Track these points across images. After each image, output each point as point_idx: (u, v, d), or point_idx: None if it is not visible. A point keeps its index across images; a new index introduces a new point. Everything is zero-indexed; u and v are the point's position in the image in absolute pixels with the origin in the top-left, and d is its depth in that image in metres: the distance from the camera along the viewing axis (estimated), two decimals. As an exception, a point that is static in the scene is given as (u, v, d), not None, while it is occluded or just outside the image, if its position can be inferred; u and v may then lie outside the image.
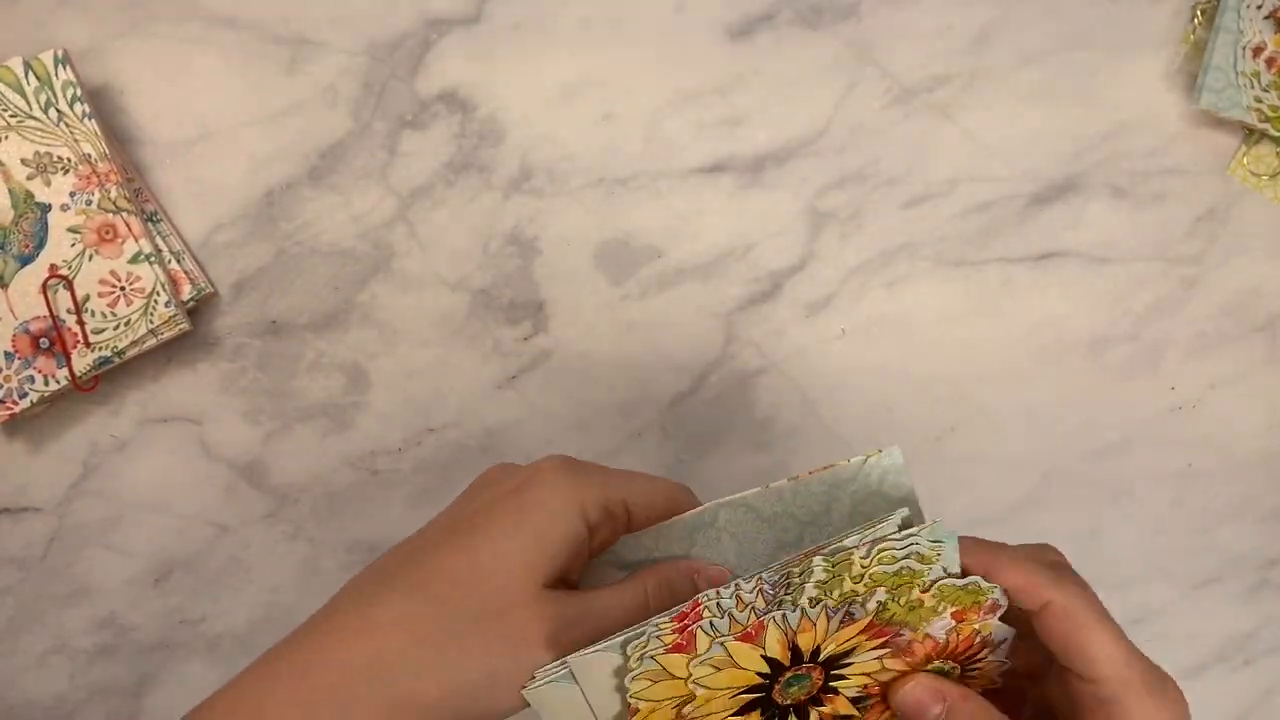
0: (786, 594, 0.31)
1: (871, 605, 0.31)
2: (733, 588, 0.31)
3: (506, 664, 0.31)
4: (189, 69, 0.52)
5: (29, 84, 0.48)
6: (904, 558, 0.30)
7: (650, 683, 0.32)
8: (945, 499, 0.53)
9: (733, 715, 0.33)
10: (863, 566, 0.30)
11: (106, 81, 0.51)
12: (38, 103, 0.48)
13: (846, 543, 0.30)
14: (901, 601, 0.31)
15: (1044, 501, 0.53)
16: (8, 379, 0.48)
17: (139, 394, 0.52)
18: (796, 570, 0.30)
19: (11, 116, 0.48)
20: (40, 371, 0.49)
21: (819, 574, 0.30)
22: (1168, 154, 0.52)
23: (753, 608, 0.31)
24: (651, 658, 0.31)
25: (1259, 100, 0.50)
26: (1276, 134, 0.51)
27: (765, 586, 0.31)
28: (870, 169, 0.52)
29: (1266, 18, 0.50)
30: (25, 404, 0.48)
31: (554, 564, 0.32)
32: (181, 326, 0.50)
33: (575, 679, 0.32)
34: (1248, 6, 0.50)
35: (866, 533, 0.31)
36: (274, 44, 0.52)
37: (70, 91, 0.48)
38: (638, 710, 0.32)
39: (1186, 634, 0.53)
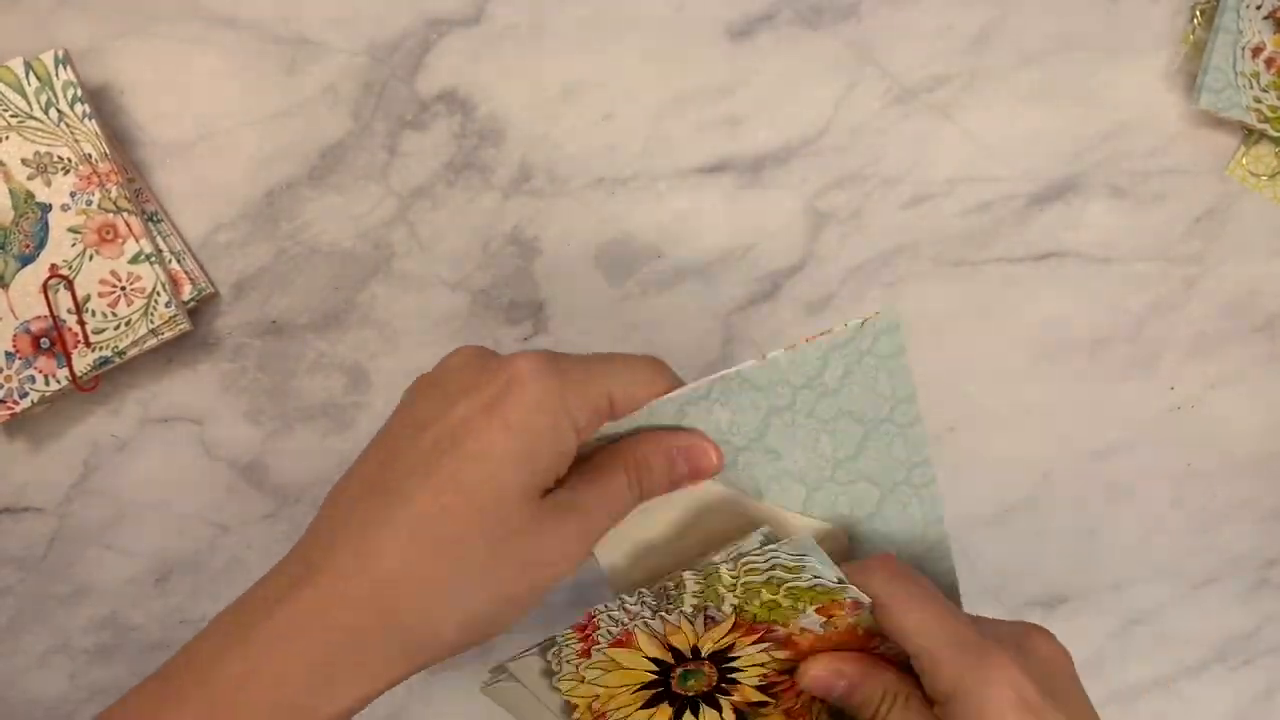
0: (669, 604, 0.34)
1: (726, 608, 0.34)
2: (618, 602, 0.34)
3: (517, 589, 0.31)
4: (189, 69, 0.52)
5: (29, 84, 0.48)
6: (768, 569, 0.33)
7: (575, 683, 0.36)
8: (945, 499, 0.53)
9: (641, 708, 0.38)
10: (731, 578, 0.33)
11: (107, 82, 0.51)
12: (38, 103, 0.48)
13: (714, 559, 0.33)
14: (755, 604, 0.34)
15: (1044, 501, 0.53)
16: (8, 379, 0.48)
17: (139, 394, 0.52)
18: (671, 585, 0.33)
19: (12, 116, 0.48)
20: (41, 371, 0.49)
21: (692, 586, 0.33)
22: (1167, 154, 0.52)
23: (638, 617, 0.34)
24: (568, 661, 0.35)
25: (1258, 100, 0.50)
26: (1276, 134, 0.51)
27: (648, 599, 0.34)
28: (870, 169, 0.52)
29: (1266, 18, 0.50)
30: (26, 404, 0.48)
31: (547, 478, 0.31)
32: (182, 326, 0.50)
33: (518, 679, 0.35)
34: (1247, 7, 0.50)
35: (730, 549, 0.34)
36: (274, 44, 0.52)
37: (71, 92, 0.48)
38: (575, 705, 0.37)
39: (1186, 634, 0.53)
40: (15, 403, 0.48)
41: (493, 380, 0.31)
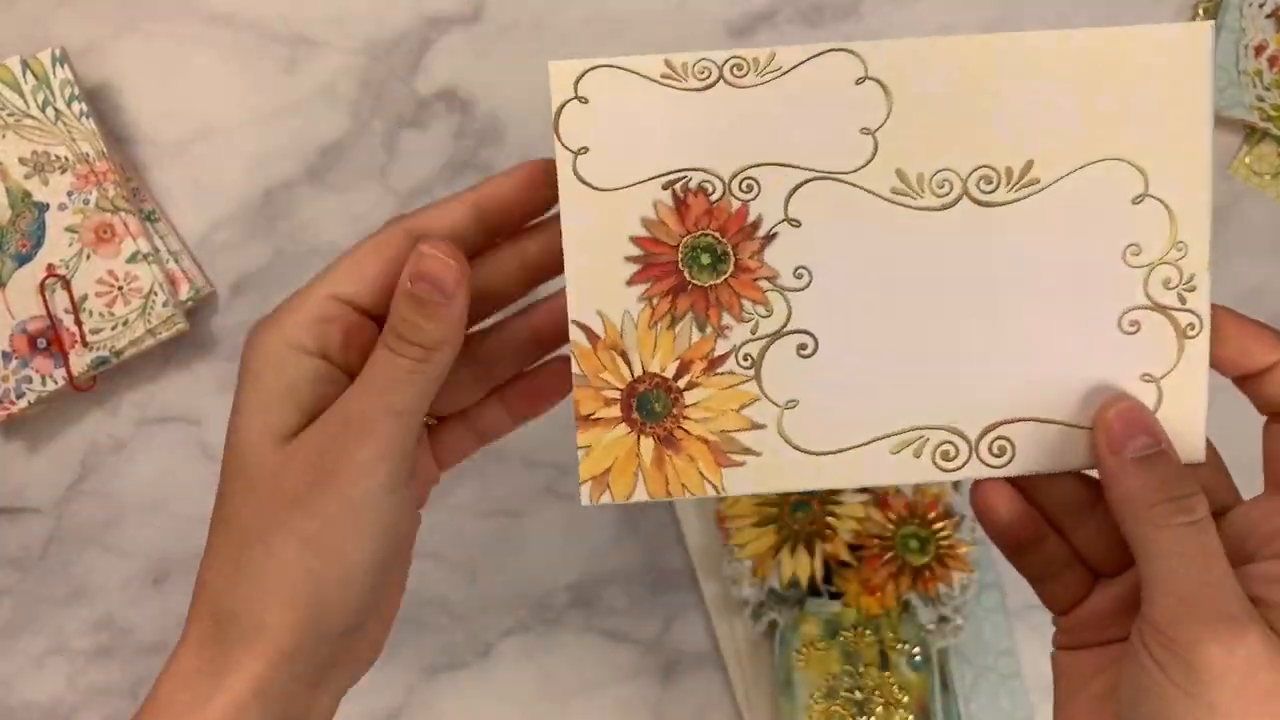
0: None
1: None
2: None
3: (307, 526, 0.28)
4: (187, 68, 0.52)
5: (26, 83, 0.48)
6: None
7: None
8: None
9: (753, 524, 0.46)
10: None
11: (104, 80, 0.51)
12: (35, 102, 0.48)
13: None
14: None
15: (1045, 502, 0.53)
16: (5, 379, 0.48)
17: (137, 394, 0.52)
18: None
19: (9, 115, 0.48)
20: (38, 371, 0.48)
21: None
22: (1169, 153, 0.52)
23: None
24: None
25: (1261, 99, 0.50)
26: (1278, 133, 0.51)
27: None
28: (871, 168, 0.52)
29: (1269, 16, 0.50)
30: (23, 404, 0.48)
31: (291, 413, 0.29)
32: (179, 326, 0.50)
33: None
34: (1250, 5, 0.50)
35: None
36: (273, 43, 0.52)
37: (68, 90, 0.48)
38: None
39: (1188, 635, 0.53)
40: (12, 403, 0.48)
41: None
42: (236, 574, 0.29)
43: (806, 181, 0.30)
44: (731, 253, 0.30)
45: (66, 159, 0.48)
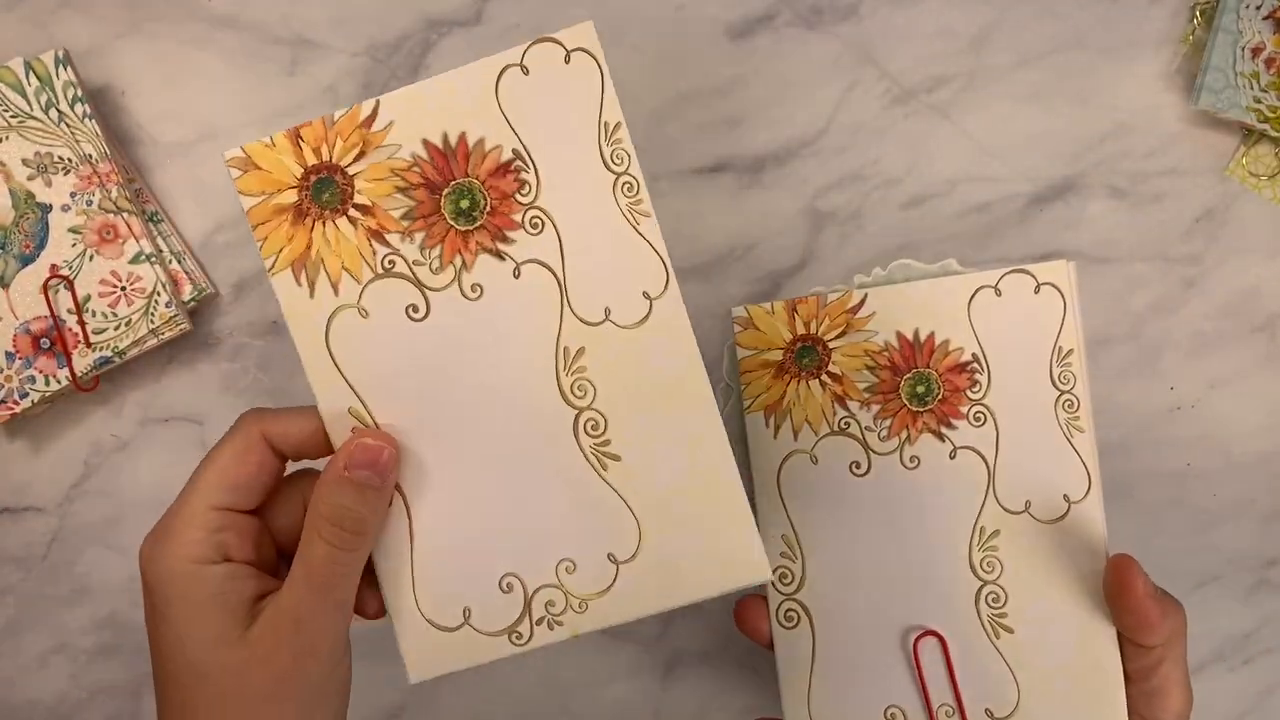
0: None
1: None
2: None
3: (284, 712, 0.31)
4: (190, 69, 0.52)
5: (30, 84, 0.48)
6: None
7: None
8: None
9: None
10: None
11: (107, 82, 0.51)
12: (38, 103, 0.48)
13: None
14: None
15: (1044, 501, 0.53)
16: (9, 379, 0.48)
17: (140, 394, 0.52)
18: None
19: (12, 117, 0.48)
20: (41, 371, 0.49)
21: None
22: (1167, 154, 0.52)
23: None
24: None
25: (1258, 100, 0.50)
26: (1276, 134, 0.51)
27: None
28: (870, 169, 0.52)
29: (1266, 18, 0.50)
30: (26, 404, 0.48)
31: (230, 616, 0.32)
32: (182, 327, 0.50)
33: None
34: (1247, 7, 0.50)
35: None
36: (274, 44, 0.52)
37: (71, 92, 0.49)
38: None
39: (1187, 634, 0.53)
40: (15, 403, 0.48)
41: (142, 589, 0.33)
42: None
43: None
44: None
45: (69, 160, 0.49)
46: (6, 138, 0.48)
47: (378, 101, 0.34)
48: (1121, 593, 0.37)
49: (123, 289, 0.49)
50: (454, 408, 0.34)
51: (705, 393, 0.34)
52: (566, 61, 0.34)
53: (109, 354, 0.49)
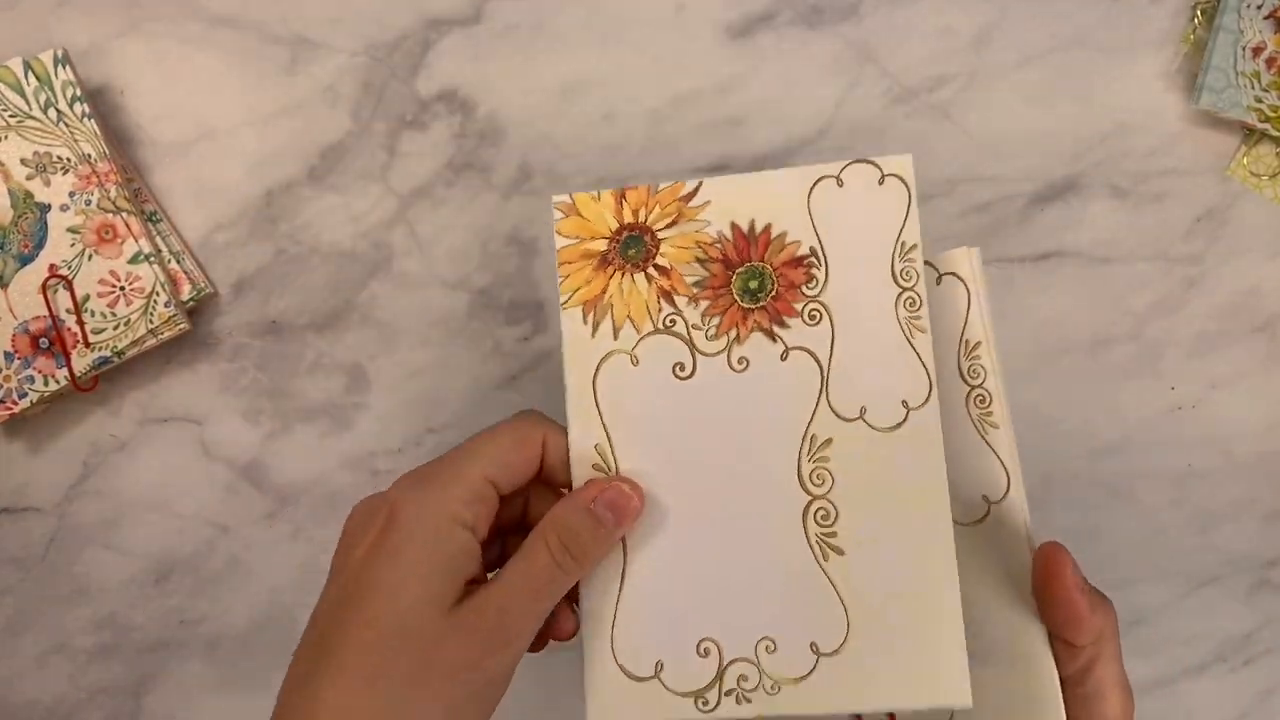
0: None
1: None
2: None
3: (454, 697, 0.32)
4: (189, 69, 0.52)
5: (29, 84, 0.48)
6: None
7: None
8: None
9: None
10: None
11: (106, 81, 0.51)
12: (37, 103, 0.48)
13: None
14: None
15: (1044, 501, 0.53)
16: (7, 379, 0.48)
17: (139, 394, 0.52)
18: None
19: (11, 116, 0.48)
20: (40, 371, 0.49)
21: None
22: (1167, 154, 0.52)
23: None
24: None
25: (1259, 100, 0.50)
26: (1276, 134, 0.51)
27: None
28: (870, 169, 0.52)
29: (1266, 18, 0.50)
30: (25, 404, 0.48)
31: (448, 583, 0.32)
32: (181, 326, 0.50)
33: None
34: (1248, 6, 0.50)
35: None
36: (274, 44, 0.52)
37: (70, 91, 0.48)
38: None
39: (1186, 634, 0.53)
40: (14, 403, 0.48)
41: (374, 519, 0.33)
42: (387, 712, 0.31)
43: None
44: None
45: (68, 160, 0.49)
46: (5, 137, 0.48)
47: (701, 182, 0.36)
48: (1049, 583, 0.34)
49: (122, 289, 0.49)
50: (693, 467, 0.35)
51: (944, 510, 0.34)
52: (880, 183, 0.36)
53: (108, 354, 0.49)
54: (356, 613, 0.32)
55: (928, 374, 0.34)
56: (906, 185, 0.36)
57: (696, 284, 0.36)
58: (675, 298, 0.36)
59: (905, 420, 0.34)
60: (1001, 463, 0.36)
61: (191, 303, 0.50)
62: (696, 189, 0.36)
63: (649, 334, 0.36)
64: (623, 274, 0.37)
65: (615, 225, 0.37)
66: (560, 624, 0.36)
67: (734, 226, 0.36)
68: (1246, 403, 0.53)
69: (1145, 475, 0.53)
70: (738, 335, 0.36)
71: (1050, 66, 0.52)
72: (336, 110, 0.52)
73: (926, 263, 0.37)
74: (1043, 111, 0.52)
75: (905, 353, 0.35)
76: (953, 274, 0.37)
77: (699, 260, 0.36)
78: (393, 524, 0.33)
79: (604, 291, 0.37)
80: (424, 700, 0.31)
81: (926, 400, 0.34)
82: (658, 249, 0.37)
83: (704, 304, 0.36)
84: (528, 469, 0.35)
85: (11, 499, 0.52)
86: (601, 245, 0.37)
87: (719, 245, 0.36)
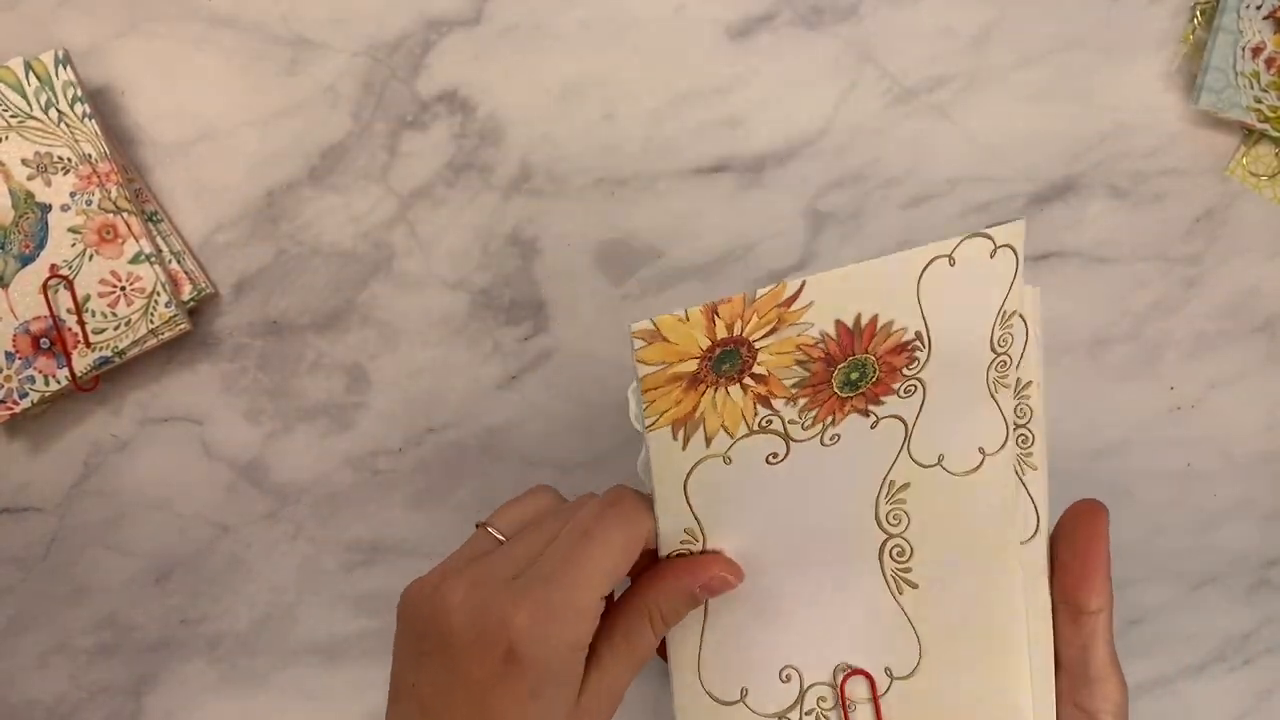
0: None
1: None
2: None
3: None
4: (190, 69, 0.52)
5: (29, 84, 0.48)
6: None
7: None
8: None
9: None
10: None
11: (107, 82, 0.51)
12: (38, 103, 0.48)
13: None
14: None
15: (1044, 501, 0.53)
16: (8, 379, 0.48)
17: (140, 394, 0.52)
18: None
19: (12, 117, 0.48)
20: (41, 371, 0.49)
21: None
22: (1167, 154, 0.52)
23: None
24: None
25: (1258, 100, 0.50)
26: (1276, 134, 0.51)
27: None
28: (870, 169, 0.52)
29: (1266, 18, 0.50)
30: (26, 404, 0.48)
31: (571, 701, 0.33)
32: (182, 326, 0.50)
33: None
34: (1247, 7, 0.50)
35: None
36: (274, 44, 0.52)
37: (71, 92, 0.49)
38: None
39: (1186, 634, 0.53)
40: (15, 403, 0.48)
41: (493, 645, 0.32)
42: None
43: None
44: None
45: (69, 160, 0.49)
46: (6, 138, 0.48)
47: (803, 283, 0.33)
48: (1080, 530, 0.35)
49: (122, 289, 0.49)
50: (778, 523, 0.36)
51: (1014, 549, 0.35)
52: (991, 256, 0.34)
53: (109, 354, 0.49)
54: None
55: (1005, 423, 0.35)
56: (1016, 253, 0.34)
57: (795, 384, 0.34)
58: (773, 401, 0.34)
59: (981, 465, 0.35)
60: (1035, 505, 0.37)
61: (192, 303, 0.50)
62: (799, 291, 0.33)
63: (743, 436, 0.35)
64: (716, 389, 0.34)
65: (707, 344, 0.33)
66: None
67: (838, 324, 0.33)
68: (1246, 403, 0.53)
69: (1145, 475, 0.53)
70: (833, 419, 0.35)
71: (1050, 66, 0.52)
72: (337, 110, 0.52)
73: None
74: (1043, 111, 0.52)
75: (988, 407, 0.35)
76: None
77: (799, 363, 0.34)
78: (519, 661, 0.32)
79: (695, 409, 0.34)
80: None
81: (1003, 446, 0.35)
82: (754, 359, 0.33)
83: (802, 401, 0.34)
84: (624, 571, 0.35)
85: (12, 499, 0.52)
86: (691, 366, 0.33)
87: (821, 345, 0.34)
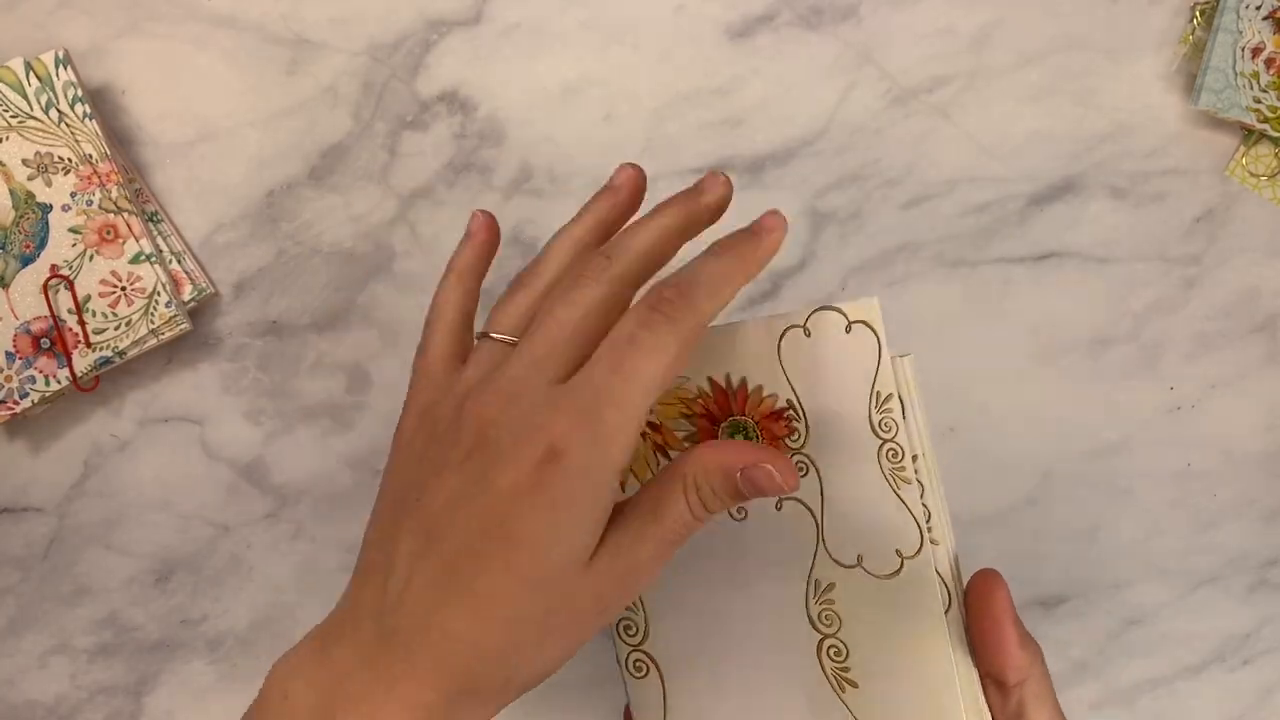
0: None
1: None
2: None
3: (574, 639, 0.31)
4: (190, 69, 0.52)
5: (30, 84, 0.48)
6: None
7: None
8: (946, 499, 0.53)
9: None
10: None
11: (107, 82, 0.51)
12: (38, 103, 0.48)
13: None
14: None
15: (1044, 501, 0.53)
16: (9, 379, 0.48)
17: (140, 394, 0.52)
18: None
19: (12, 117, 0.48)
20: (41, 371, 0.49)
21: None
22: (1167, 154, 0.52)
23: None
24: None
25: (1258, 101, 0.50)
26: (1275, 134, 0.51)
27: None
28: (870, 169, 0.52)
29: (1266, 18, 0.50)
30: (26, 404, 0.48)
31: (597, 535, 0.31)
32: (182, 327, 0.50)
33: None
34: (1247, 7, 0.50)
35: None
36: (274, 44, 0.52)
37: (71, 92, 0.49)
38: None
39: (1186, 634, 0.53)
40: (15, 403, 0.48)
41: (530, 447, 0.30)
42: (498, 661, 0.31)
43: None
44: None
45: (69, 160, 0.49)
46: (6, 138, 0.48)
47: None
48: (980, 610, 0.35)
49: (123, 289, 0.49)
50: (713, 608, 0.37)
51: (945, 651, 0.35)
52: (847, 331, 0.35)
53: (109, 354, 0.49)
54: (500, 557, 0.30)
55: (917, 525, 0.35)
56: (875, 332, 0.34)
57: (687, 439, 0.37)
58: (670, 451, 0.37)
59: (901, 568, 0.35)
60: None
61: (192, 303, 0.50)
62: None
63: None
64: None
65: None
66: None
67: (712, 381, 0.36)
68: (1246, 403, 0.53)
69: (1145, 475, 0.53)
70: None
71: (1050, 67, 0.52)
72: (337, 110, 0.52)
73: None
74: (1042, 112, 0.52)
75: (893, 504, 0.35)
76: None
77: (684, 416, 0.37)
78: (557, 467, 0.29)
79: None
80: (550, 643, 0.31)
81: (919, 550, 0.35)
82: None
83: None
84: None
85: (12, 499, 0.52)
86: None
87: (701, 400, 0.37)
